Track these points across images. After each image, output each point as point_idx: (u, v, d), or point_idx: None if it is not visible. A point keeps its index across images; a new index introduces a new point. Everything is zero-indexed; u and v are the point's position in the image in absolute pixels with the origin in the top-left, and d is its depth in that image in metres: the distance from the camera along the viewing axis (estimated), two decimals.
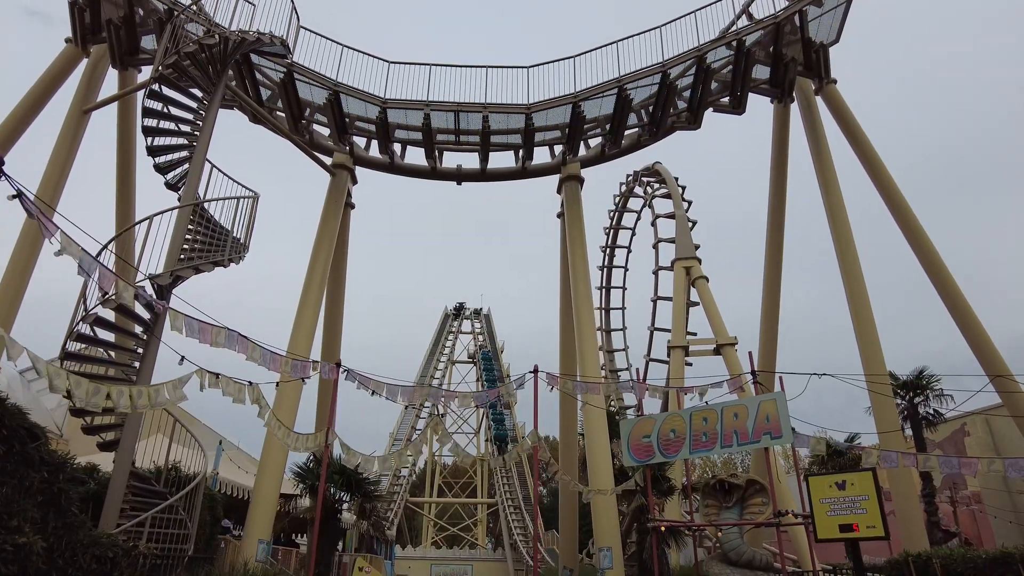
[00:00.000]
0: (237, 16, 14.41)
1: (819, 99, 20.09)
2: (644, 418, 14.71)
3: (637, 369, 24.88)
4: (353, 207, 22.12)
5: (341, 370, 12.26)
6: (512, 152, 21.35)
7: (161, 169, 12.62)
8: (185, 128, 12.78)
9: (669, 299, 31.46)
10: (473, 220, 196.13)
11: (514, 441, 42.87)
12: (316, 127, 20.65)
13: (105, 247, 9.72)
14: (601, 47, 18.94)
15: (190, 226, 11.60)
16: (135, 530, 9.52)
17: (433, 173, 21.54)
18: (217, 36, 13.07)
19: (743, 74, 18.97)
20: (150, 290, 10.33)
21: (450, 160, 21.76)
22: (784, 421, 12.31)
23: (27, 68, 18.08)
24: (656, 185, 37.37)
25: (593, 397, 16.93)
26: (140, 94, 13.81)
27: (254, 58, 17.66)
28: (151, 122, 12.44)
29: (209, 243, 11.80)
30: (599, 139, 21.24)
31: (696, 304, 28.68)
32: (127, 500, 9.82)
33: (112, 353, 10.66)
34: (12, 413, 6.98)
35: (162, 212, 10.98)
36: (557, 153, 21.56)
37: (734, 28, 18.93)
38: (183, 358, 8.71)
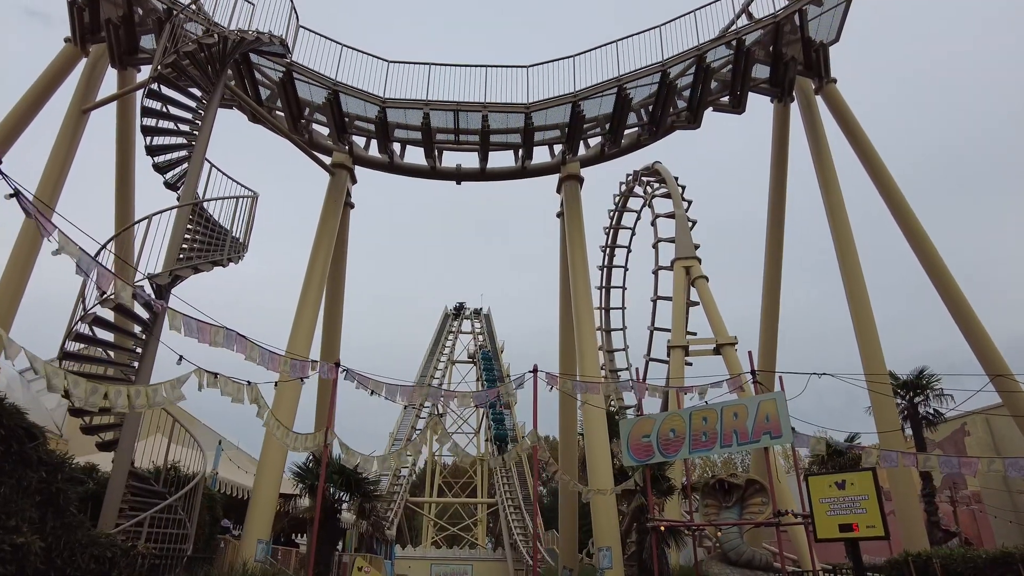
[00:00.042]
0: (236, 15, 14.43)
1: (819, 98, 20.08)
2: (644, 418, 14.70)
3: (637, 369, 24.87)
4: (353, 207, 22.11)
5: (340, 370, 12.25)
6: (512, 151, 21.34)
7: (160, 168, 12.62)
8: (184, 127, 12.77)
9: (669, 299, 31.44)
10: (473, 220, 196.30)
11: (514, 441, 42.87)
12: (315, 126, 20.64)
13: (104, 247, 9.71)
14: (601, 46, 18.93)
15: (189, 225, 11.58)
16: (134, 530, 9.50)
17: (432, 173, 21.53)
18: (216, 35, 13.06)
19: (743, 73, 18.96)
20: (149, 289, 10.31)
21: (449, 160, 21.77)
22: (784, 421, 12.30)
23: (27, 68, 18.10)
24: (656, 185, 37.35)
25: (593, 397, 16.92)
26: (139, 93, 13.79)
27: (253, 57, 17.65)
28: (150, 121, 12.42)
29: (208, 242, 11.78)
30: (599, 139, 21.23)
31: (696, 304, 28.66)
32: (126, 500, 9.80)
33: (111, 353, 10.65)
34: (10, 413, 6.96)
35: (161, 211, 10.96)
36: (557, 153, 21.55)
37: (734, 27, 18.93)
38: (181, 357, 8.71)
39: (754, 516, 13.67)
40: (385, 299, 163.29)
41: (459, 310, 60.96)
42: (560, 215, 21.93)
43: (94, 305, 9.64)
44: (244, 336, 10.02)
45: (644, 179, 38.19)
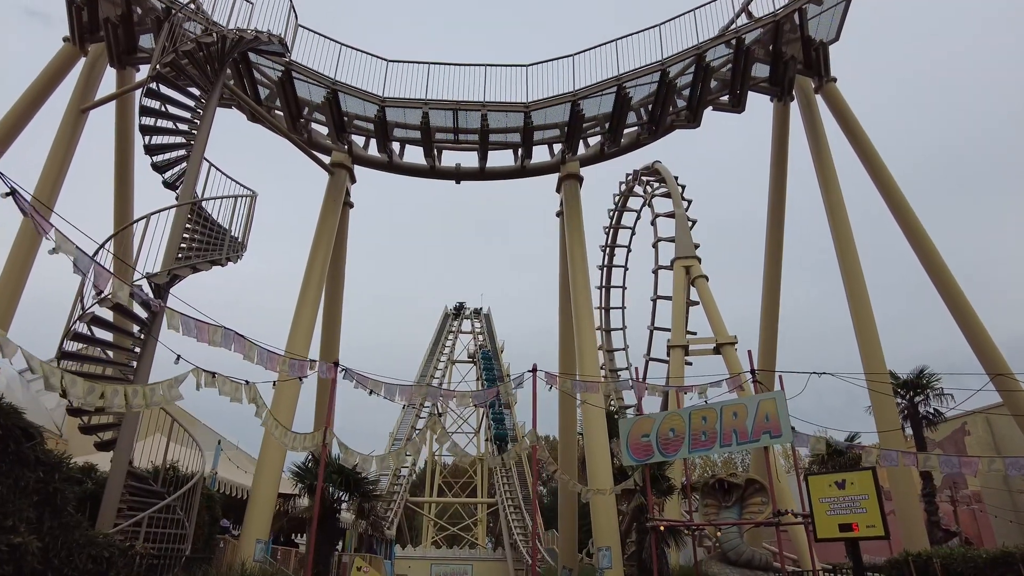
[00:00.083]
0: (235, 14, 14.38)
1: (819, 97, 20.06)
2: (643, 417, 14.68)
3: (637, 368, 24.80)
4: (352, 206, 22.10)
5: (339, 369, 12.23)
6: (511, 151, 21.32)
7: (159, 168, 12.61)
8: (183, 127, 12.76)
9: (669, 298, 31.41)
10: (473, 220, 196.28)
11: (514, 440, 42.87)
12: (314, 126, 20.61)
13: (102, 246, 9.70)
14: (600, 45, 18.91)
15: (188, 225, 11.56)
16: (132, 530, 9.47)
17: (432, 172, 21.51)
18: (215, 34, 13.03)
19: (743, 72, 18.94)
20: (147, 289, 10.29)
21: (449, 159, 21.75)
22: (784, 420, 12.27)
23: (27, 68, 18.07)
24: (656, 184, 37.32)
25: (592, 396, 16.91)
26: (138, 93, 13.76)
27: (252, 57, 17.63)
28: (149, 121, 12.41)
29: (207, 242, 11.75)
30: (598, 138, 21.21)
31: (696, 303, 28.63)
32: (124, 500, 9.78)
33: (110, 352, 10.63)
34: (7, 412, 6.94)
35: (160, 211, 10.94)
36: (556, 152, 21.53)
37: (734, 26, 18.91)
38: (179, 357, 8.69)
39: (754, 516, 13.66)
40: (385, 299, 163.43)
41: (459, 310, 61.00)
42: (560, 214, 21.91)
43: (92, 304, 9.61)
44: (243, 335, 10.01)
45: (644, 178, 38.16)
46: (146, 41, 17.77)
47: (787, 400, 12.47)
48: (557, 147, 21.42)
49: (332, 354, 20.50)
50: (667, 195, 34.52)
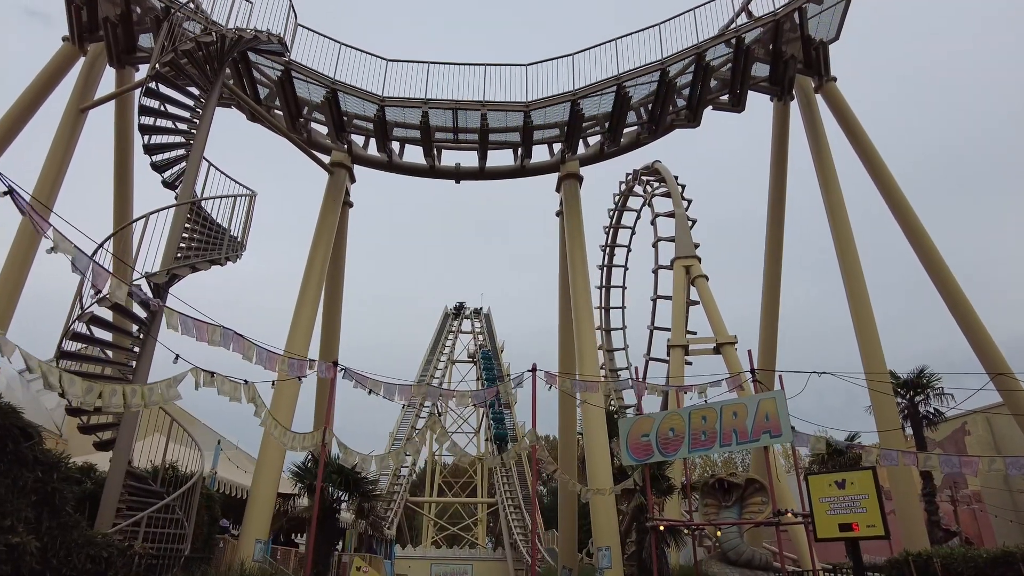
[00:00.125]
0: (234, 14, 14.39)
1: (819, 97, 20.04)
2: (643, 417, 14.66)
3: (637, 368, 24.79)
4: (351, 206, 22.08)
5: (338, 369, 12.22)
6: (511, 150, 21.32)
7: (158, 167, 12.60)
8: (182, 126, 12.75)
9: (669, 298, 31.39)
10: (473, 220, 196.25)
11: (514, 440, 42.85)
12: (314, 125, 20.60)
13: (101, 245, 9.69)
14: (600, 45, 18.89)
15: (187, 224, 11.56)
16: (131, 530, 9.46)
17: (431, 172, 21.50)
18: (214, 34, 13.03)
19: (742, 72, 18.92)
20: (146, 288, 10.28)
21: (449, 159, 21.73)
22: (784, 420, 12.26)
23: (27, 68, 18.04)
24: (655, 184, 37.30)
25: (592, 396, 16.89)
26: (137, 92, 13.74)
27: (252, 56, 17.61)
28: (148, 120, 12.41)
29: (206, 241, 11.75)
30: (598, 137, 21.19)
31: (696, 303, 28.61)
32: (123, 500, 9.77)
33: (109, 352, 10.62)
34: (5, 412, 6.94)
35: (159, 210, 10.93)
36: (556, 151, 21.52)
37: (733, 25, 18.89)
38: (177, 356, 8.68)
39: (754, 515, 13.64)
40: (385, 299, 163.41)
41: (459, 310, 61.01)
42: (559, 214, 21.89)
43: (91, 304, 9.60)
44: (242, 335, 10.00)
45: (644, 178, 38.15)
46: (145, 41, 17.76)
47: (787, 400, 12.46)
48: (557, 147, 21.40)
49: (331, 354, 20.48)
50: (667, 195, 34.50)
